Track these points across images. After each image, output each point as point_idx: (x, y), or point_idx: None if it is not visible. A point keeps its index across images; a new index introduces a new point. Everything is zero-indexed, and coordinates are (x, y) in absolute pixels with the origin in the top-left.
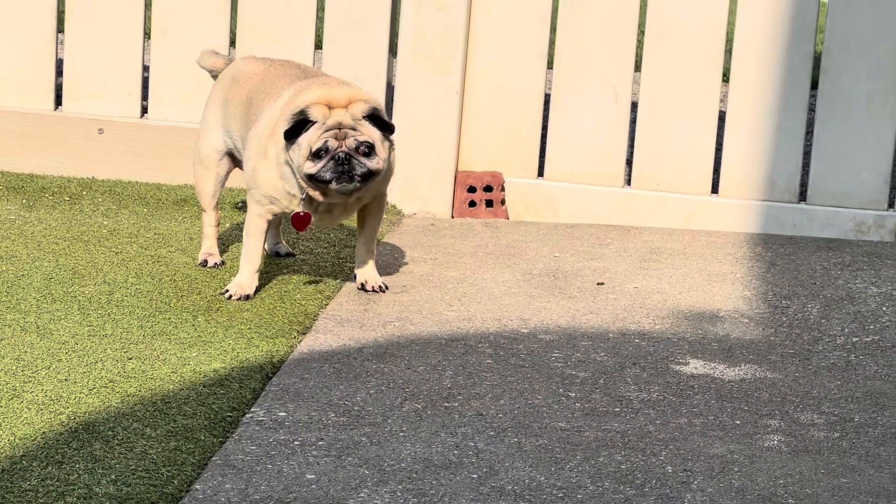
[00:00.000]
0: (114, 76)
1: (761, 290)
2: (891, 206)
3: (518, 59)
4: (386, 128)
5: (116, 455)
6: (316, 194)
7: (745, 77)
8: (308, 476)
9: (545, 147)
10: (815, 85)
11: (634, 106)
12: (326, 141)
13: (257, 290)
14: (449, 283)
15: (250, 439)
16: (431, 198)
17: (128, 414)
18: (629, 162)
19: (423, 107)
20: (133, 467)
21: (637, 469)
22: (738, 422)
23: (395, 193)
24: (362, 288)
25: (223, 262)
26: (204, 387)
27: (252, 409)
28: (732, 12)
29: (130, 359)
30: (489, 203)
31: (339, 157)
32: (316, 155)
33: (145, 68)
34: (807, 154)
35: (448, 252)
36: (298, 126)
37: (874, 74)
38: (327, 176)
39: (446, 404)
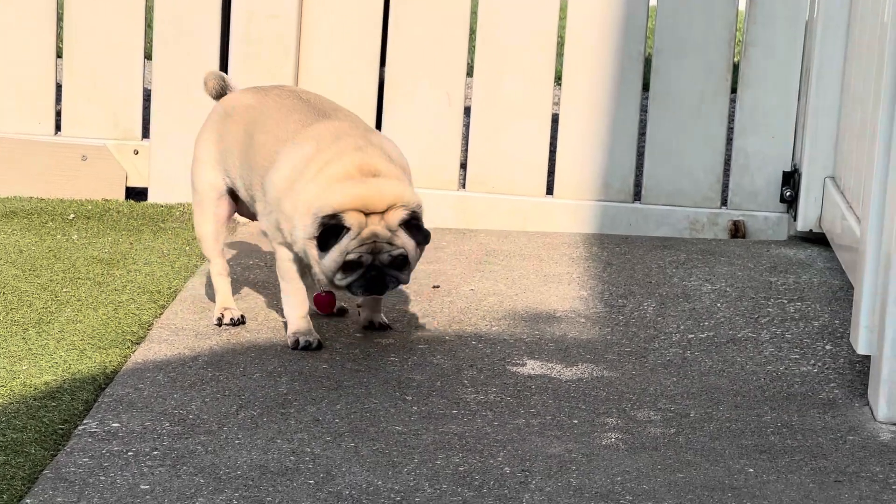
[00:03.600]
0: None
1: (598, 290)
2: (724, 203)
3: (350, 64)
4: (422, 236)
5: None
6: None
7: (577, 79)
8: (142, 487)
9: None
10: (647, 86)
11: (468, 110)
12: (361, 256)
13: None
14: None
15: (83, 451)
16: None
17: None
18: (464, 165)
19: None
20: None
21: (475, 471)
22: (575, 421)
23: None
24: (369, 327)
25: (243, 318)
26: (34, 400)
27: (85, 421)
28: (563, 17)
29: None
30: None
31: (371, 275)
32: (347, 266)
33: None
34: (641, 154)
35: None
36: (331, 232)
37: (705, 75)
38: (358, 292)
39: (282, 410)
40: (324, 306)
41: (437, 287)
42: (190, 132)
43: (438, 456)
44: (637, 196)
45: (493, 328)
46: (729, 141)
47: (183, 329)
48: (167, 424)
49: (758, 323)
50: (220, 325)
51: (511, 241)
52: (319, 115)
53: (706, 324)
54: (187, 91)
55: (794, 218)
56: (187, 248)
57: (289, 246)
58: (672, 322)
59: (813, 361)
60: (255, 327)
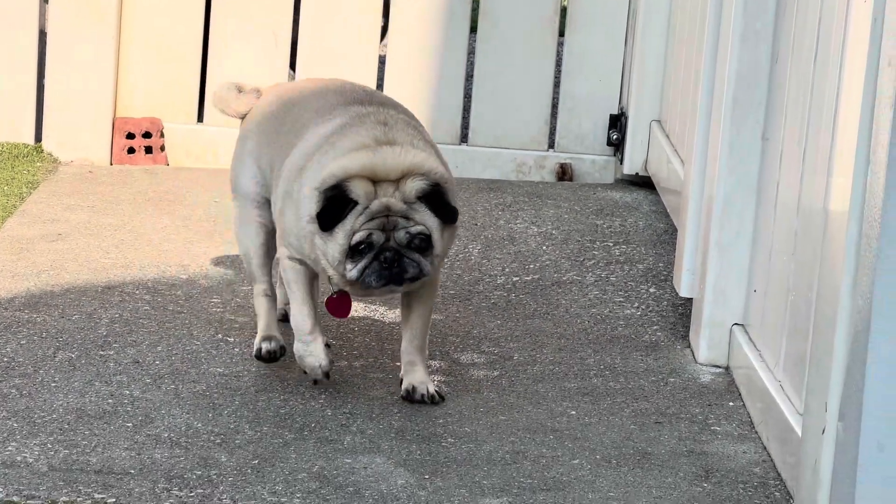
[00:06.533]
0: None
1: None
2: (551, 146)
3: (175, 4)
4: (447, 214)
5: None
6: (353, 288)
7: (404, 18)
8: None
9: (205, 92)
10: (475, 28)
11: (296, 51)
12: (371, 234)
13: (329, 347)
14: (106, 230)
15: None
16: (89, 145)
17: None
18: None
19: (79, 54)
20: None
21: (296, 412)
22: (398, 363)
23: (52, 142)
24: (408, 396)
25: (284, 349)
26: None
27: None
28: None
29: None
30: (148, 149)
31: (386, 257)
32: (356, 250)
33: None
34: (469, 96)
35: (106, 199)
36: (335, 206)
37: (533, 17)
38: (371, 281)
39: (102, 352)
40: (336, 309)
41: None
42: (5, 66)
43: (260, 398)
44: (464, 138)
45: None
46: (557, 84)
47: None
48: None
49: (583, 266)
50: (258, 357)
51: None
52: (366, 100)
53: (531, 266)
54: (5, 28)
55: (621, 161)
56: (5, 188)
57: (295, 247)
58: (497, 265)
59: (637, 304)
60: (74, 269)
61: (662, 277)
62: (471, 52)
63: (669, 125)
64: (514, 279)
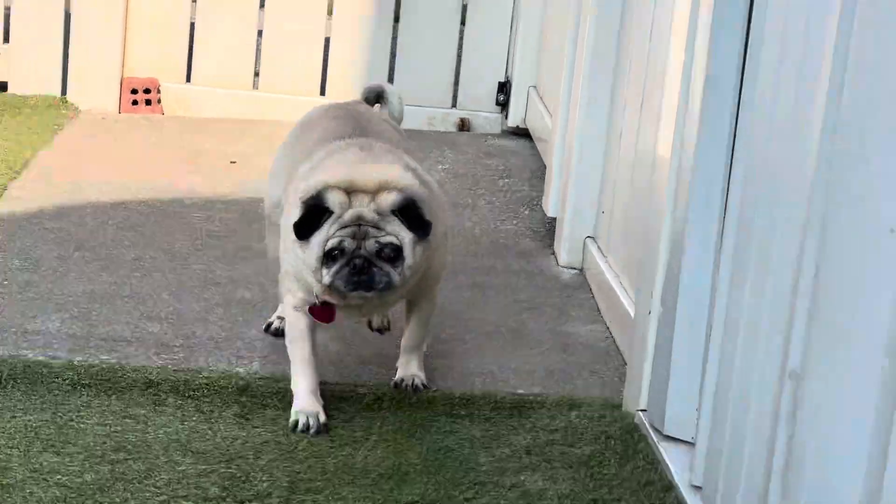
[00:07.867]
0: None
1: None
2: (454, 105)
3: None
4: (419, 227)
5: None
6: (331, 297)
7: (346, 11)
8: None
9: (192, 60)
10: (398, 18)
11: (261, 33)
12: (342, 241)
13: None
14: (116, 157)
15: None
16: (103, 98)
17: None
18: (257, 73)
19: (92, 25)
20: None
21: (256, 300)
22: None
23: (73, 93)
24: (396, 386)
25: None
26: None
27: None
28: None
29: None
30: (148, 102)
31: (355, 264)
32: (329, 256)
33: None
34: (393, 67)
35: (117, 137)
36: (312, 215)
37: (441, 9)
38: (341, 285)
39: (106, 252)
40: (323, 315)
41: (234, 162)
42: (40, 38)
43: (232, 292)
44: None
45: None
46: (459, 58)
47: (32, 189)
48: (17, 262)
49: (475, 193)
50: (268, 330)
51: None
52: (355, 129)
53: None
54: (39, 4)
55: (506, 117)
56: (40, 128)
57: (293, 289)
58: None
59: (515, 222)
60: (87, 186)
61: (535, 203)
62: (395, 36)
63: (542, 88)
64: None
